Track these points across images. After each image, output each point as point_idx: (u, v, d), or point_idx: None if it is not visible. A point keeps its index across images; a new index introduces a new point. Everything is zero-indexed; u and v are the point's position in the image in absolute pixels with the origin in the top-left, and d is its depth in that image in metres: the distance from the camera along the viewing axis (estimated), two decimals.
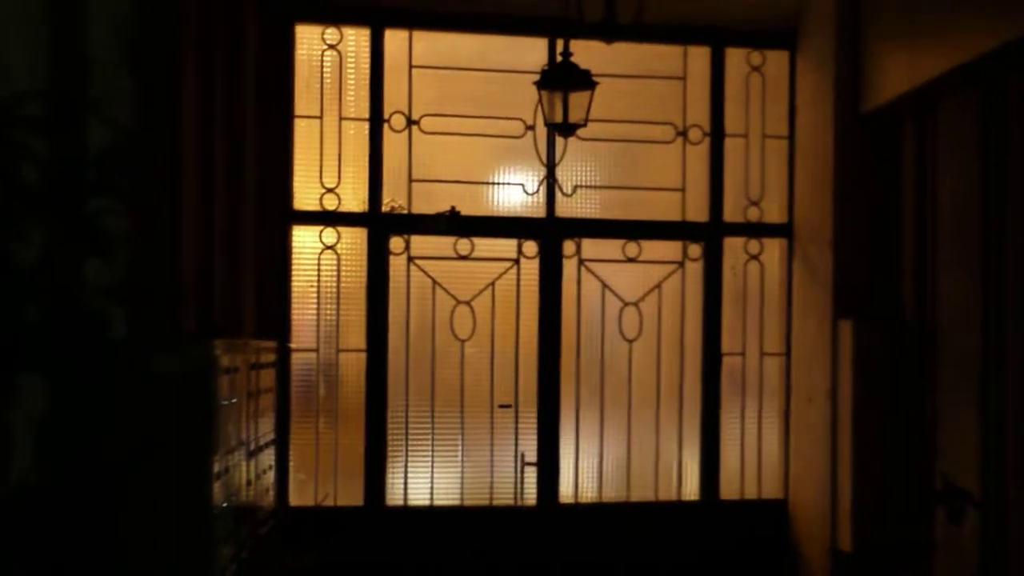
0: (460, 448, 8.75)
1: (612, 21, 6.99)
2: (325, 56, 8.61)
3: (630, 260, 8.99)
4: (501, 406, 8.79)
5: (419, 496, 8.68)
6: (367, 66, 8.66)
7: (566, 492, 8.88)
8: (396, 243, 8.66)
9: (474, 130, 8.79)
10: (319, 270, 8.59)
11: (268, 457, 6.83)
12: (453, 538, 8.62)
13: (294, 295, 8.51)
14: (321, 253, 8.59)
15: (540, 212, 8.89)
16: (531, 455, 8.79)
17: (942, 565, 7.59)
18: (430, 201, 8.71)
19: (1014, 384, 6.95)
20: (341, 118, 8.64)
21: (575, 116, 7.49)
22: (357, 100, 8.67)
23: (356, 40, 8.68)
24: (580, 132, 7.71)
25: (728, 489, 9.09)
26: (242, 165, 7.38)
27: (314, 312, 8.57)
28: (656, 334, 9.05)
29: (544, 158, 8.86)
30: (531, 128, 8.79)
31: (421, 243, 8.70)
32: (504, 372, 8.81)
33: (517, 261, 8.83)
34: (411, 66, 8.73)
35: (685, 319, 9.07)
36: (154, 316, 5.28)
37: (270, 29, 8.19)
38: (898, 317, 8.18)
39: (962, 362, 7.46)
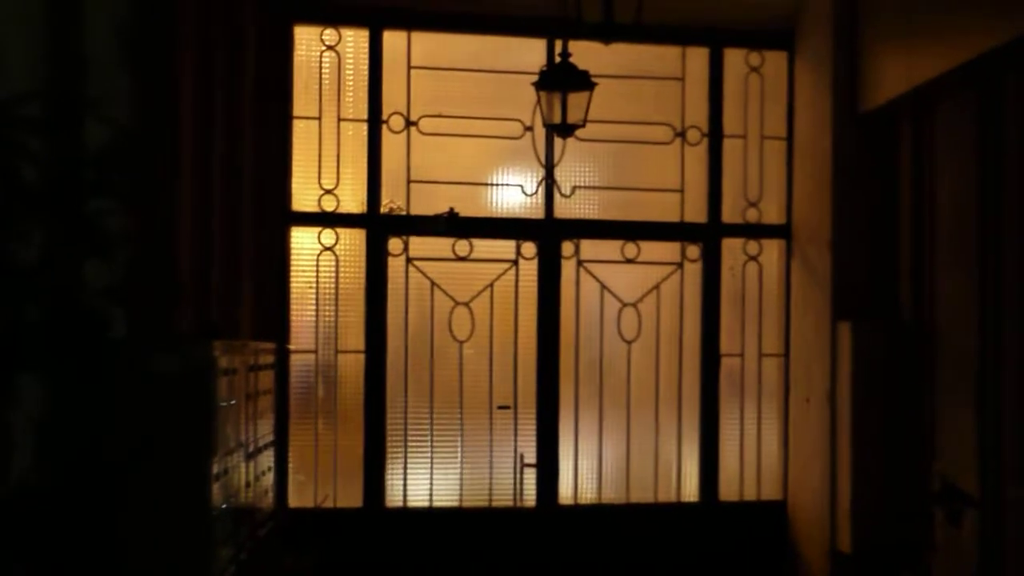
0: (459, 449, 8.75)
1: (610, 22, 6.98)
2: (324, 57, 8.62)
3: (629, 261, 9.00)
4: (500, 407, 8.79)
5: (418, 497, 8.68)
6: (366, 67, 8.67)
7: (565, 493, 8.89)
8: (395, 244, 8.66)
9: (473, 131, 8.80)
10: (318, 271, 8.59)
11: (267, 458, 6.83)
12: (452, 539, 8.62)
13: (293, 296, 8.51)
14: (320, 254, 8.59)
15: (539, 213, 8.89)
16: (530, 456, 8.79)
17: (941, 566, 7.58)
18: (429, 202, 8.71)
19: (1011, 384, 6.95)
20: (340, 119, 8.65)
21: (574, 117, 7.49)
22: (356, 101, 8.67)
23: (355, 41, 8.68)
24: (579, 133, 7.73)
25: (727, 490, 9.09)
26: (240, 166, 7.37)
27: (313, 313, 8.57)
28: (655, 335, 9.05)
29: (543, 159, 8.87)
30: (530, 129, 8.80)
31: (420, 244, 8.71)
32: (503, 373, 8.81)
33: (516, 262, 8.83)
34: (409, 67, 8.73)
35: (684, 320, 9.08)
36: (153, 316, 5.28)
37: (269, 30, 8.20)
38: (896, 318, 8.18)
39: (960, 362, 7.46)
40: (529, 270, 8.86)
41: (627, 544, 8.83)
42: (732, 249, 9.15)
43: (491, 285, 8.81)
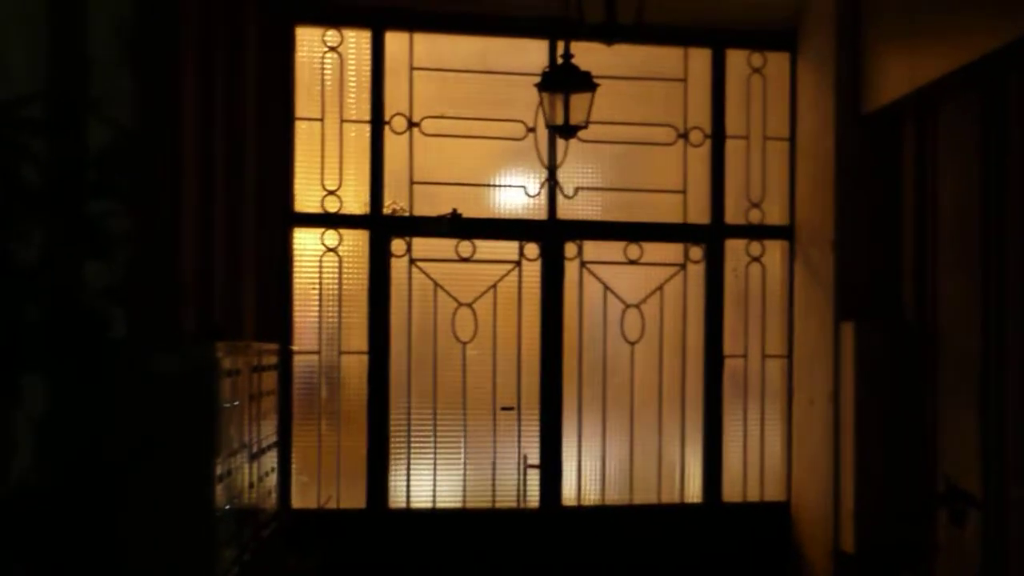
0: (462, 450, 8.75)
1: (613, 22, 6.97)
2: (326, 58, 8.62)
3: (632, 262, 8.99)
4: (503, 408, 8.78)
5: (421, 498, 8.68)
6: (368, 68, 8.67)
7: (569, 494, 8.88)
8: (398, 245, 8.66)
9: (475, 132, 8.80)
10: (321, 272, 8.59)
11: (270, 460, 6.83)
12: (456, 541, 8.62)
13: (296, 297, 8.51)
14: (323, 255, 8.59)
15: (542, 214, 8.89)
16: (534, 457, 8.78)
17: (944, 566, 7.57)
18: (431, 203, 8.71)
19: (1014, 385, 6.94)
20: (342, 120, 8.65)
21: (576, 118, 7.49)
22: (358, 102, 8.67)
23: (357, 42, 8.68)
24: (581, 134, 7.72)
25: (731, 491, 9.08)
26: (242, 166, 7.38)
27: (316, 314, 8.58)
28: (658, 336, 9.04)
29: (545, 160, 8.87)
30: (532, 130, 8.80)
31: (423, 245, 8.71)
32: (506, 374, 8.81)
33: (519, 263, 8.83)
34: (412, 68, 8.73)
35: (687, 321, 9.07)
36: (154, 316, 5.28)
37: (270, 30, 8.19)
38: (899, 318, 8.17)
39: (963, 363, 7.45)
40: (532, 271, 8.86)
41: (631, 545, 8.83)
42: (735, 250, 9.15)
43: (494, 286, 8.80)
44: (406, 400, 8.66)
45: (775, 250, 9.19)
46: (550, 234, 8.87)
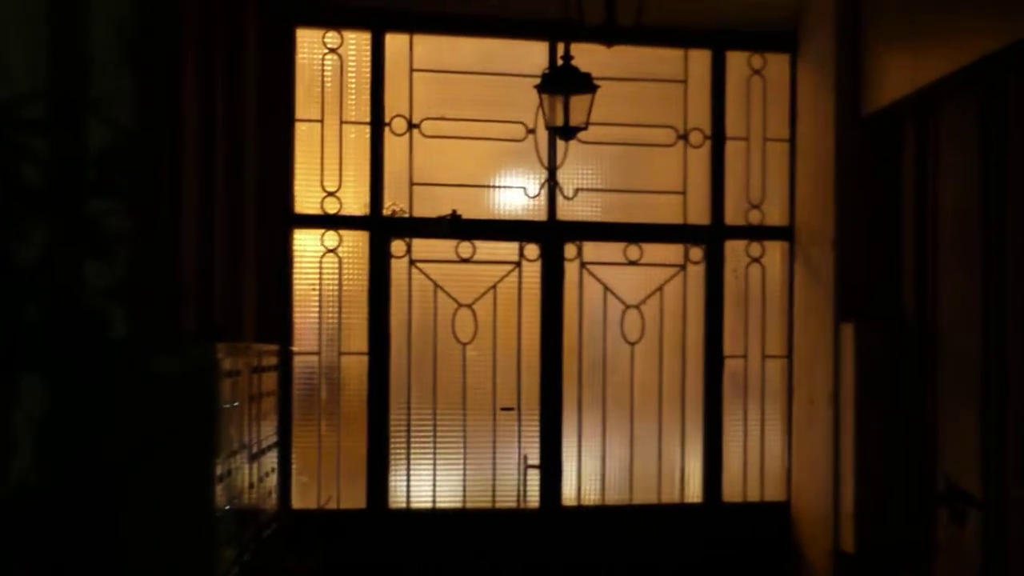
0: (462, 451, 8.75)
1: (612, 24, 7.00)
2: (326, 60, 8.62)
3: (632, 263, 9.00)
4: (503, 409, 8.79)
5: (422, 499, 8.68)
6: (368, 70, 8.67)
7: (569, 494, 8.89)
8: (398, 246, 8.66)
9: (475, 133, 8.80)
10: (321, 273, 8.59)
11: (270, 460, 6.83)
12: (456, 541, 8.62)
13: (296, 298, 8.52)
14: (323, 256, 8.60)
15: (541, 215, 8.89)
16: (534, 458, 8.79)
17: (944, 566, 7.57)
18: (431, 204, 8.72)
19: (1015, 385, 6.94)
20: (342, 122, 8.65)
21: (576, 119, 7.50)
22: (358, 104, 8.68)
23: (357, 44, 8.69)
24: (581, 135, 7.72)
25: (731, 491, 9.08)
26: (242, 167, 7.38)
27: (316, 315, 8.58)
28: (658, 337, 9.05)
29: (545, 161, 8.87)
30: (532, 131, 8.80)
31: (422, 246, 8.71)
32: (506, 375, 8.81)
33: (519, 264, 8.83)
34: (412, 69, 8.74)
35: (687, 322, 9.08)
36: (154, 316, 5.29)
37: (270, 32, 8.20)
38: (899, 319, 8.18)
39: (963, 364, 7.45)
40: (532, 272, 8.86)
41: (631, 545, 8.83)
42: (735, 251, 9.15)
43: (494, 287, 8.81)
44: (406, 400, 8.66)
45: (775, 251, 9.19)
46: (550, 235, 8.88)
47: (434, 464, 8.70)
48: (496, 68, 8.87)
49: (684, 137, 9.09)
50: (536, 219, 8.89)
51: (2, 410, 3.67)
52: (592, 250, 8.94)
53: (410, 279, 8.69)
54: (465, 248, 8.75)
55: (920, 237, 8.03)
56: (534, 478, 8.77)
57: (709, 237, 9.08)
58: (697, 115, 9.12)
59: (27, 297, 3.55)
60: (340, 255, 8.62)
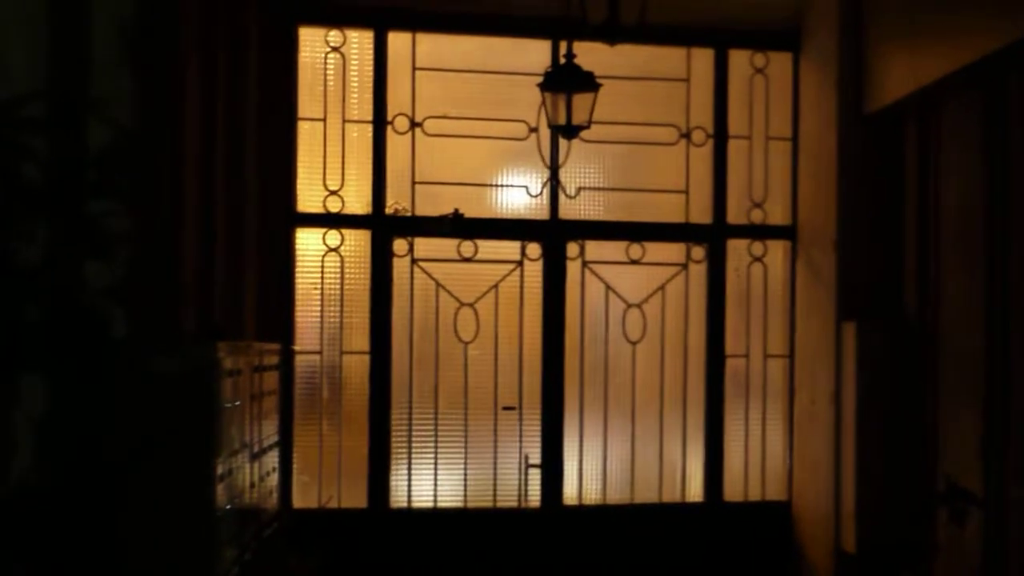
0: (464, 450, 8.75)
1: (615, 22, 6.98)
2: (328, 58, 8.62)
3: (634, 262, 9.00)
4: (505, 408, 8.79)
5: (423, 498, 8.68)
6: (370, 68, 8.67)
7: (570, 494, 8.88)
8: (400, 245, 8.66)
9: (477, 132, 8.80)
10: (322, 272, 8.59)
11: (271, 459, 6.83)
12: (457, 540, 8.62)
13: (297, 297, 8.52)
14: (324, 255, 8.59)
15: (544, 214, 8.89)
16: (535, 457, 8.79)
17: (944, 566, 7.57)
18: (434, 203, 8.72)
19: (1016, 385, 6.93)
20: (344, 120, 8.65)
21: (578, 118, 7.50)
22: (360, 102, 8.68)
23: (359, 42, 8.68)
24: (584, 134, 7.73)
25: (732, 491, 9.08)
26: (244, 166, 7.38)
27: (317, 314, 8.58)
28: (660, 336, 9.04)
29: (548, 160, 8.87)
30: (534, 130, 8.80)
31: (425, 245, 8.71)
32: (508, 374, 8.81)
33: (521, 263, 8.83)
34: (414, 68, 8.74)
35: (689, 321, 9.07)
36: (155, 316, 5.28)
37: (272, 30, 8.20)
38: (901, 318, 8.17)
39: (964, 363, 7.44)
40: (534, 271, 8.86)
41: (632, 544, 8.83)
42: (737, 250, 9.15)
43: (496, 286, 8.81)
44: (407, 400, 8.66)
45: (777, 250, 9.19)
46: (552, 234, 8.87)
47: (435, 463, 8.70)
48: (499, 67, 8.87)
49: (686, 136, 9.09)
50: (538, 218, 8.89)
51: (2, 410, 3.67)
52: (594, 249, 8.94)
53: (412, 278, 8.69)
54: (467, 247, 8.75)
55: (922, 236, 8.02)
56: (535, 477, 8.78)
57: (711, 236, 9.08)
58: (700, 114, 9.11)
59: (27, 297, 3.55)
60: (342, 254, 8.62)
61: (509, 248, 8.83)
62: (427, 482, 8.68)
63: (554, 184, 8.88)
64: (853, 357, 8.02)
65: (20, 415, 3.76)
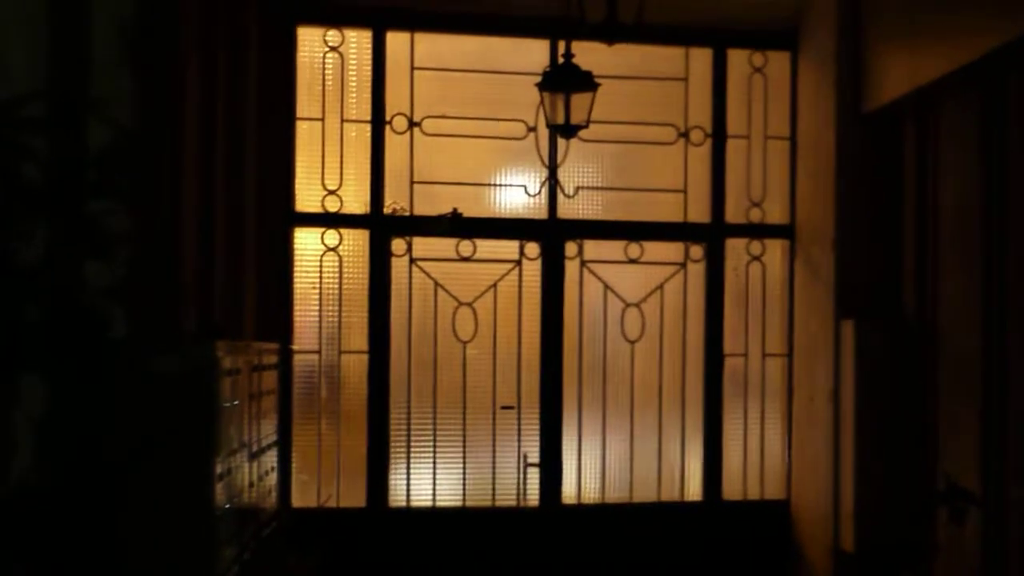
0: (462, 449, 8.75)
1: (613, 22, 6.99)
2: (327, 58, 8.62)
3: (632, 261, 9.00)
4: (504, 407, 8.79)
5: (421, 497, 8.68)
6: (369, 68, 8.67)
7: (569, 493, 8.89)
8: (398, 245, 8.66)
9: (476, 132, 8.80)
10: (321, 272, 8.59)
11: (270, 459, 6.83)
12: (455, 539, 8.63)
13: (296, 297, 8.52)
14: (323, 255, 8.59)
15: (542, 213, 8.89)
16: (534, 456, 8.79)
17: (944, 565, 7.57)
18: (432, 203, 8.72)
19: (1015, 384, 6.94)
20: (343, 120, 8.65)
21: (577, 117, 7.50)
22: (359, 102, 8.68)
23: (358, 42, 8.68)
24: (582, 133, 7.73)
25: (731, 490, 9.09)
26: (243, 166, 7.38)
27: (316, 314, 8.58)
28: (658, 335, 9.05)
29: (546, 159, 8.87)
30: (533, 130, 8.80)
31: (423, 245, 8.71)
32: (506, 373, 8.81)
33: (519, 263, 8.83)
34: (413, 68, 8.74)
35: (687, 320, 9.08)
36: (154, 316, 5.29)
37: (271, 30, 8.20)
38: (899, 317, 8.17)
39: (963, 362, 7.45)
40: (533, 270, 8.86)
41: (631, 543, 8.83)
42: (736, 249, 9.15)
43: (494, 285, 8.81)
44: (406, 399, 8.66)
45: (775, 249, 9.19)
46: (550, 233, 8.88)
47: (434, 462, 8.70)
48: (497, 66, 8.87)
49: (685, 135, 9.09)
50: (537, 217, 8.89)
51: (2, 410, 3.67)
52: (593, 248, 8.94)
53: (410, 277, 8.69)
54: (466, 246, 8.75)
55: (920, 235, 8.03)
56: (534, 476, 8.78)
57: (710, 235, 9.08)
58: (698, 113, 9.12)
59: (27, 297, 3.55)
60: (340, 253, 8.62)
61: (507, 248, 8.83)
62: (426, 481, 8.68)
63: (552, 183, 8.89)
64: (852, 356, 8.03)
65: (20, 415, 3.76)
